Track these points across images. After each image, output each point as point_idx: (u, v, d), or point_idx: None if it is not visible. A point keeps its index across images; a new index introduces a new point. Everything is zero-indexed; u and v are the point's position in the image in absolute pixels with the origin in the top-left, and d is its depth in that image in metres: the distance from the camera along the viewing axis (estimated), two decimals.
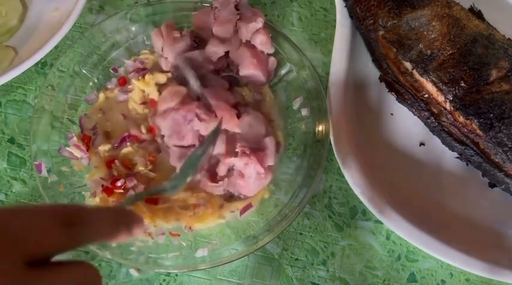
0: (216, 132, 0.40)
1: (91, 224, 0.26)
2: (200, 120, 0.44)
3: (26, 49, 0.50)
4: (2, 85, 0.47)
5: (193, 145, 0.44)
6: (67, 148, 0.46)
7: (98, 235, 0.27)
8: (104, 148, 0.46)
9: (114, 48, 0.50)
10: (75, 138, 0.46)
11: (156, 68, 0.49)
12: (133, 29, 0.51)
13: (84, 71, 0.49)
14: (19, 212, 0.24)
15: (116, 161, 0.46)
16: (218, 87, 0.47)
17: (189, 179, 0.38)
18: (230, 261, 0.43)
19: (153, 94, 0.47)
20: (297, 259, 0.48)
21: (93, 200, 0.44)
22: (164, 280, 0.46)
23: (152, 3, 0.51)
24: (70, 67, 0.48)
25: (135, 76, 0.49)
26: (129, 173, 0.45)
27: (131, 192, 0.44)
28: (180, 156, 0.44)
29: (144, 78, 0.47)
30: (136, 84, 0.47)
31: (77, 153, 0.46)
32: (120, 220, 0.28)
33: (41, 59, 0.48)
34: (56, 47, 0.48)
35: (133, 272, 0.46)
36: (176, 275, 0.46)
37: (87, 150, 0.46)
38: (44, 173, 0.44)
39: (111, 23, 0.49)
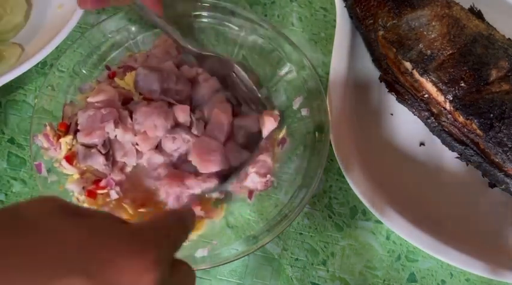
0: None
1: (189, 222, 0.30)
2: (116, 124, 0.43)
3: (31, 46, 0.50)
4: (2, 85, 0.47)
5: (96, 146, 0.43)
6: (39, 137, 0.44)
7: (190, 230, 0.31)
8: (65, 139, 0.43)
9: (114, 48, 0.50)
10: (48, 127, 0.44)
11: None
12: (133, 29, 0.50)
13: (84, 71, 0.49)
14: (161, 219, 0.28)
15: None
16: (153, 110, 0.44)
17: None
18: (230, 261, 0.43)
19: (135, 93, 0.47)
20: (297, 259, 0.48)
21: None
22: None
23: None
24: (70, 67, 0.48)
25: (121, 73, 0.48)
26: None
27: (113, 192, 0.43)
28: (84, 156, 0.43)
29: (125, 75, 0.47)
30: (117, 82, 0.47)
31: (45, 143, 0.44)
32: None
33: (41, 59, 0.48)
34: (56, 47, 0.48)
35: None
36: None
37: (57, 140, 0.44)
38: (44, 173, 0.44)
39: (111, 23, 0.49)
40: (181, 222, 0.29)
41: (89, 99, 0.44)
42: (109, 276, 0.22)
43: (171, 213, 0.30)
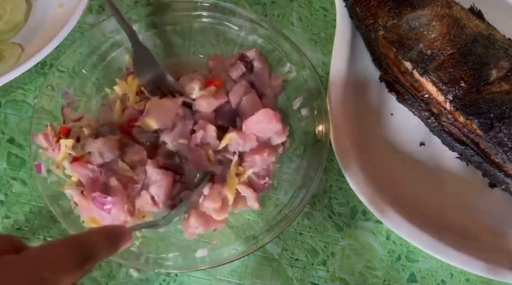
0: (204, 177, 0.44)
1: (96, 249, 0.27)
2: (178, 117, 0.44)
3: (31, 46, 0.50)
4: (2, 85, 0.47)
5: (156, 132, 0.45)
6: (38, 136, 0.44)
7: (102, 257, 0.28)
8: (66, 142, 0.43)
9: (114, 48, 0.50)
10: (48, 127, 0.44)
11: None
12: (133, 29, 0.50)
13: (84, 71, 0.49)
14: (44, 253, 0.25)
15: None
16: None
17: (178, 217, 0.44)
18: (230, 261, 0.43)
19: (131, 96, 0.47)
20: (297, 259, 0.48)
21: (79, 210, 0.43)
22: (164, 280, 0.46)
23: (152, 3, 0.51)
24: (70, 67, 0.48)
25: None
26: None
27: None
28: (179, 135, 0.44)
29: (126, 79, 0.47)
30: (118, 83, 0.47)
31: (43, 142, 0.44)
32: (114, 236, 0.30)
33: (41, 59, 0.48)
34: (55, 47, 0.48)
35: (133, 272, 0.46)
36: (176, 275, 0.46)
37: (57, 141, 0.44)
38: (44, 173, 0.44)
39: (111, 23, 0.49)
40: (79, 252, 0.26)
41: (87, 148, 0.43)
42: None
43: (71, 240, 0.27)
